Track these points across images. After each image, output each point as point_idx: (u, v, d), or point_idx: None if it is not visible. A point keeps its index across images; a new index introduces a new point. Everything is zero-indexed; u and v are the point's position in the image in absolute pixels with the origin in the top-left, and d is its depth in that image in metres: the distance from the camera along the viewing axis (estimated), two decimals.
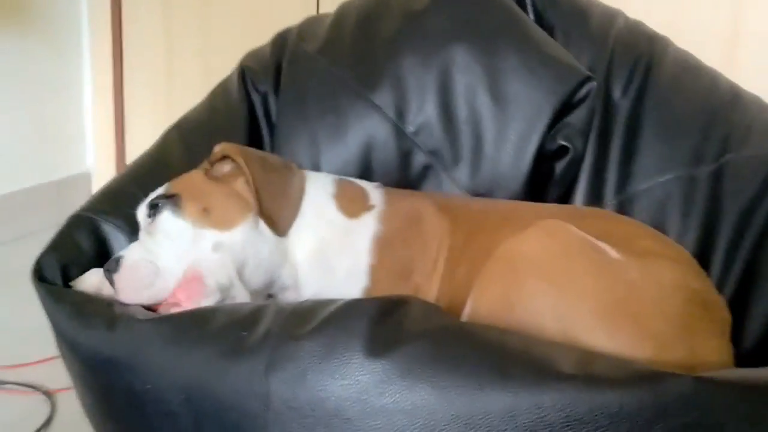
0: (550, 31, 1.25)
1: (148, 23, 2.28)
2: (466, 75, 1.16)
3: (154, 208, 0.94)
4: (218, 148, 1.02)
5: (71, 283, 0.92)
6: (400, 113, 1.18)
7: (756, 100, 1.19)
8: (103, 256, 0.98)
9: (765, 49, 1.60)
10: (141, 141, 2.30)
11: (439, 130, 1.17)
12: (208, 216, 0.93)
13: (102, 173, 2.37)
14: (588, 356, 0.70)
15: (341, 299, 0.77)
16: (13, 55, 2.14)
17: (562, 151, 1.16)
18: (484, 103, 1.15)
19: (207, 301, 0.85)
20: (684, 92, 1.19)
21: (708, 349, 0.80)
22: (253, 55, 1.34)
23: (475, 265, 0.98)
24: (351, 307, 0.74)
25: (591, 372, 0.67)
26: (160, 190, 0.98)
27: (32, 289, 0.88)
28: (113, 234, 1.00)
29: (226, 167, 1.01)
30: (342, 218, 1.02)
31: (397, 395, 0.67)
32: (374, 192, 1.06)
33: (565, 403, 0.65)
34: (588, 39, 1.24)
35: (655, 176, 1.14)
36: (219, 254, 0.91)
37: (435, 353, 0.68)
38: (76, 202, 1.08)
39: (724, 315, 0.86)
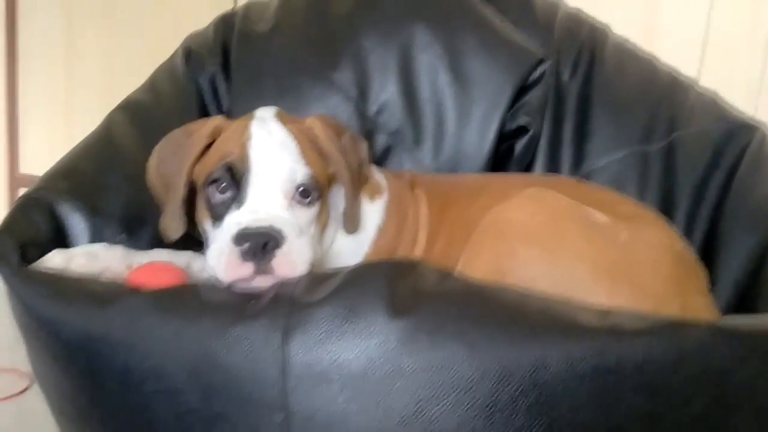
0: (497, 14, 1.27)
1: (46, 23, 2.12)
2: (427, 54, 1.16)
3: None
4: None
5: (32, 266, 0.83)
6: (362, 93, 1.16)
7: (691, 83, 1.26)
8: (60, 238, 0.90)
9: (680, 44, 1.70)
10: (36, 148, 2.16)
11: (401, 110, 1.16)
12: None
13: None
14: (605, 311, 0.71)
15: (346, 266, 0.74)
16: None
17: (521, 130, 1.17)
18: (445, 82, 1.16)
19: None
20: (628, 75, 1.24)
21: (698, 306, 0.83)
22: (195, 38, 1.28)
23: (454, 238, 0.97)
24: (365, 269, 0.71)
25: (615, 324, 0.67)
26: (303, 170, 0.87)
27: None
28: (70, 215, 0.92)
29: None
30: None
31: (426, 353, 0.64)
32: (380, 176, 1.04)
33: (593, 353, 0.65)
34: (535, 25, 1.27)
35: (610, 153, 1.18)
36: None
37: (459, 311, 0.67)
38: None
39: (704, 273, 0.90)
